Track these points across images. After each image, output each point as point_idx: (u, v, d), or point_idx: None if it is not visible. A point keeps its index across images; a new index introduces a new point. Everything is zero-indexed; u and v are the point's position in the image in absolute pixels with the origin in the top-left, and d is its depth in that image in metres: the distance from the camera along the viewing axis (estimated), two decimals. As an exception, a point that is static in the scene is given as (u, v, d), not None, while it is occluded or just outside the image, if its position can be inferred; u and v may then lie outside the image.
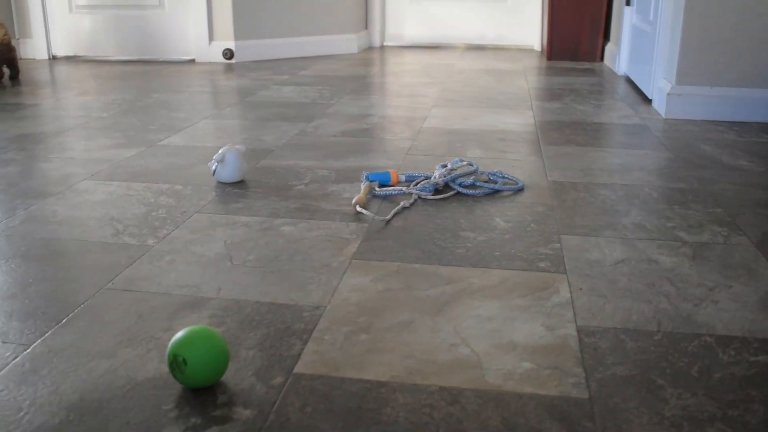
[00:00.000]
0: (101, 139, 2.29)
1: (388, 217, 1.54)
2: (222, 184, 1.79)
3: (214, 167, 1.79)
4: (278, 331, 1.07)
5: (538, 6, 4.94)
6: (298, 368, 0.98)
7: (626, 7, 3.64)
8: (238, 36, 4.19)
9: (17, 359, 1.00)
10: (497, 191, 1.73)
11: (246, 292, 1.20)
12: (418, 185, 1.72)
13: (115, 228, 1.49)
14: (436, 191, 1.72)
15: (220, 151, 1.79)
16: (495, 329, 1.08)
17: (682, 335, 1.07)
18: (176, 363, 0.91)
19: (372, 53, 4.77)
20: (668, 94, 2.62)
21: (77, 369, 0.97)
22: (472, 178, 1.76)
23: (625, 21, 3.66)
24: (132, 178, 1.85)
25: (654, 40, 2.91)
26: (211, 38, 4.20)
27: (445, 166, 1.85)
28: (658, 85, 2.79)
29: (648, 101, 2.96)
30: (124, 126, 2.48)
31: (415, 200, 1.66)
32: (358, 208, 1.58)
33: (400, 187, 1.71)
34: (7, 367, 0.98)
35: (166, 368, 0.97)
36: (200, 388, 0.93)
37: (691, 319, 1.12)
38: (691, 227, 1.52)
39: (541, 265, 1.32)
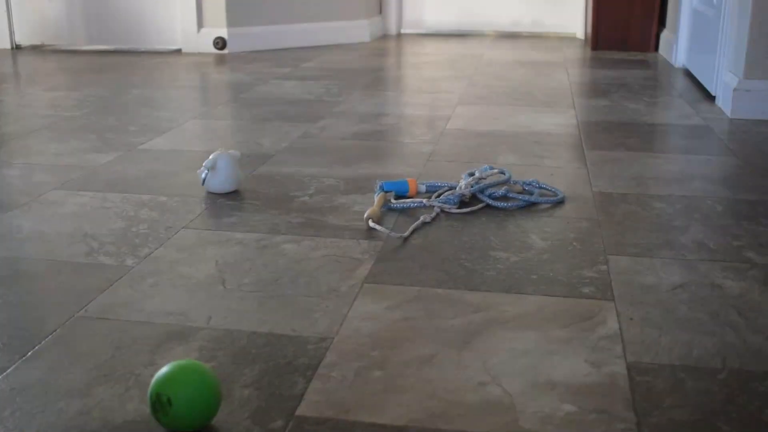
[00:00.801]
0: (73, 141, 2.31)
1: (406, 233, 1.55)
2: (213, 195, 1.81)
3: (203, 175, 1.80)
4: (278, 366, 1.08)
5: (581, -13, 4.95)
6: (301, 410, 0.98)
7: (685, -12, 3.65)
8: (231, 22, 4.22)
9: (-24, 398, 1.01)
10: (533, 204, 1.74)
11: (241, 321, 1.21)
12: (441, 197, 1.72)
13: (90, 246, 1.51)
14: (462, 204, 1.73)
15: (210, 157, 1.80)
16: (531, 365, 1.08)
17: (751, 373, 1.07)
18: (160, 403, 0.92)
19: (387, 42, 4.79)
20: (735, 89, 2.62)
21: (45, 410, 0.98)
22: (504, 188, 1.76)
23: (684, 4, 3.66)
24: (109, 187, 1.87)
25: (718, 26, 2.91)
26: (200, 25, 4.24)
27: (472, 174, 1.86)
28: (723, 79, 2.79)
29: (711, 98, 2.95)
30: (99, 127, 2.50)
31: (438, 214, 1.67)
32: (371, 224, 1.59)
33: (420, 199, 1.72)
34: (-35, 407, 0.99)
35: (147, 409, 0.98)
36: (187, 432, 0.93)
37: (762, 355, 1.12)
38: (762, 246, 1.52)
39: (585, 290, 1.32)
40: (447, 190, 1.80)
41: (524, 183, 1.83)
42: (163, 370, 0.94)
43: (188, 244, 1.52)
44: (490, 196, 1.74)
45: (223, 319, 1.22)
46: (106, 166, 2.05)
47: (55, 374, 1.06)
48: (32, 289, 1.32)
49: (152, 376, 1.05)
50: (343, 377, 1.06)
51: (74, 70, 3.69)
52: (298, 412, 0.98)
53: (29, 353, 1.12)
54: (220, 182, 1.80)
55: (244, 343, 1.14)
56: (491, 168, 1.90)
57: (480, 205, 1.71)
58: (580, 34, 5.01)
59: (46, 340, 1.15)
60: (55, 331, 1.18)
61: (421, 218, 1.62)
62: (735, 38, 2.70)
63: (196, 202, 1.76)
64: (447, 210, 1.68)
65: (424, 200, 1.71)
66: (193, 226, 1.62)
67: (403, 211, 1.70)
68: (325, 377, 1.05)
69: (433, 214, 1.65)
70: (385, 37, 5.07)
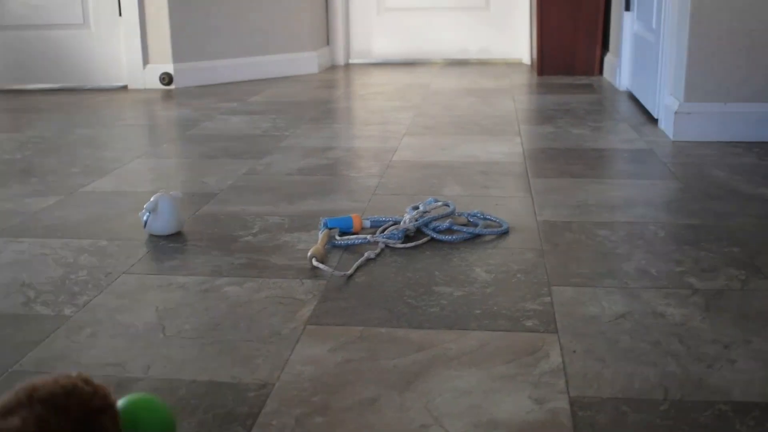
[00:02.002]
0: (13, 185, 2.27)
1: (350, 271, 1.54)
2: (155, 238, 1.78)
3: (145, 218, 1.78)
4: (217, 416, 1.06)
5: (526, 13, 5.01)
6: (240, 462, 0.97)
7: (626, 12, 3.70)
8: (177, 58, 4.20)
9: None
10: (478, 236, 1.74)
11: (180, 370, 1.19)
12: (386, 232, 1.72)
13: (26, 295, 1.48)
14: (407, 238, 1.73)
15: (152, 199, 1.78)
16: (473, 405, 1.08)
17: (692, 404, 1.07)
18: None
19: (335, 73, 4.80)
20: (676, 112, 2.66)
21: (-26, 473, 0.95)
22: (448, 221, 1.76)
23: (626, 28, 3.72)
24: (48, 233, 1.84)
25: (658, 50, 2.96)
26: (145, 61, 4.21)
27: (416, 207, 1.86)
28: (665, 102, 2.83)
29: (654, 121, 3.00)
30: (40, 169, 2.46)
31: (382, 250, 1.66)
32: (315, 262, 1.58)
33: (364, 235, 1.71)
34: None
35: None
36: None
37: (704, 384, 1.12)
38: (704, 272, 1.53)
39: (529, 324, 1.32)
40: (391, 225, 1.80)
41: (469, 215, 1.84)
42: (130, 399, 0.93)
43: (128, 290, 1.49)
44: (434, 230, 1.74)
45: (162, 368, 1.20)
46: (46, 210, 2.02)
47: (-13, 434, 1.03)
48: (-35, 345, 1.29)
49: (87, 432, 1.03)
50: (283, 425, 1.04)
51: (16, 110, 3.64)
52: (236, 464, 0.96)
53: (-40, 413, 1.08)
54: (162, 224, 1.78)
55: (183, 393, 1.12)
56: (435, 201, 1.90)
57: (424, 239, 1.71)
58: (526, 59, 5.06)
59: (-21, 398, 1.12)
60: (-12, 388, 1.15)
61: (366, 255, 1.61)
62: (674, 61, 2.75)
63: (138, 246, 1.74)
64: (391, 245, 1.68)
65: (369, 236, 1.70)
66: (134, 270, 1.59)
67: (347, 247, 1.70)
68: (265, 426, 1.04)
69: (378, 250, 1.64)
70: (333, 67, 5.08)
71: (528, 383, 1.13)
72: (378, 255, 1.64)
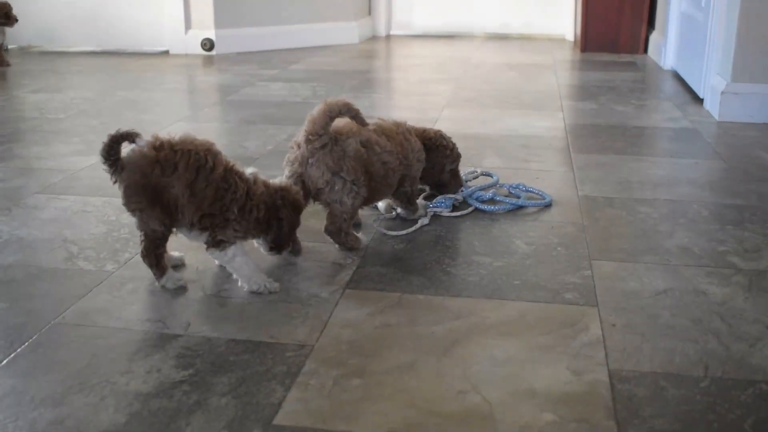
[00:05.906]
0: (57, 145, 2.29)
1: (401, 232, 1.57)
2: (195, 199, 1.79)
3: (186, 179, 1.79)
4: (256, 374, 1.07)
5: (570, -11, 4.95)
6: (279, 419, 0.97)
7: (674, -9, 3.65)
8: (219, 24, 4.21)
9: (-52, 407, 1.00)
10: (519, 207, 1.73)
11: (219, 328, 1.20)
12: (434, 200, 1.71)
13: (69, 251, 1.50)
14: (454, 208, 1.72)
15: (193, 161, 1.79)
16: (511, 373, 1.08)
17: (733, 382, 1.06)
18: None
19: (376, 44, 4.79)
20: (722, 92, 2.62)
21: (17, 419, 0.97)
22: (491, 191, 1.76)
23: (673, 6, 3.66)
24: (91, 191, 1.86)
25: (706, 29, 2.92)
26: (187, 26, 4.22)
27: (460, 177, 1.86)
28: (711, 82, 2.79)
29: (699, 101, 2.96)
30: (83, 129, 2.49)
31: (431, 217, 1.67)
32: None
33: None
34: (-64, 416, 0.98)
35: (121, 419, 0.97)
36: None
37: (745, 363, 1.11)
38: (747, 252, 1.51)
39: (568, 296, 1.31)
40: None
41: (510, 186, 1.83)
42: None
43: (169, 249, 1.50)
44: (477, 200, 1.73)
45: (202, 326, 1.21)
46: (89, 169, 2.04)
47: (30, 382, 1.05)
48: (9, 296, 1.31)
49: (128, 384, 1.04)
50: (321, 385, 1.05)
51: (61, 71, 3.67)
52: (275, 422, 0.97)
53: (4, 361, 1.11)
54: (203, 186, 1.79)
55: (222, 350, 1.13)
56: (475, 170, 1.90)
57: (470, 209, 1.70)
58: (569, 36, 5.01)
59: (22, 347, 1.14)
60: (32, 338, 1.17)
61: (420, 222, 1.62)
62: (723, 41, 2.70)
63: (179, 207, 1.75)
64: (439, 213, 1.68)
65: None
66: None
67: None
68: (303, 385, 1.05)
69: (428, 218, 1.65)
70: (374, 38, 5.06)
71: (567, 354, 1.13)
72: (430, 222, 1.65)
